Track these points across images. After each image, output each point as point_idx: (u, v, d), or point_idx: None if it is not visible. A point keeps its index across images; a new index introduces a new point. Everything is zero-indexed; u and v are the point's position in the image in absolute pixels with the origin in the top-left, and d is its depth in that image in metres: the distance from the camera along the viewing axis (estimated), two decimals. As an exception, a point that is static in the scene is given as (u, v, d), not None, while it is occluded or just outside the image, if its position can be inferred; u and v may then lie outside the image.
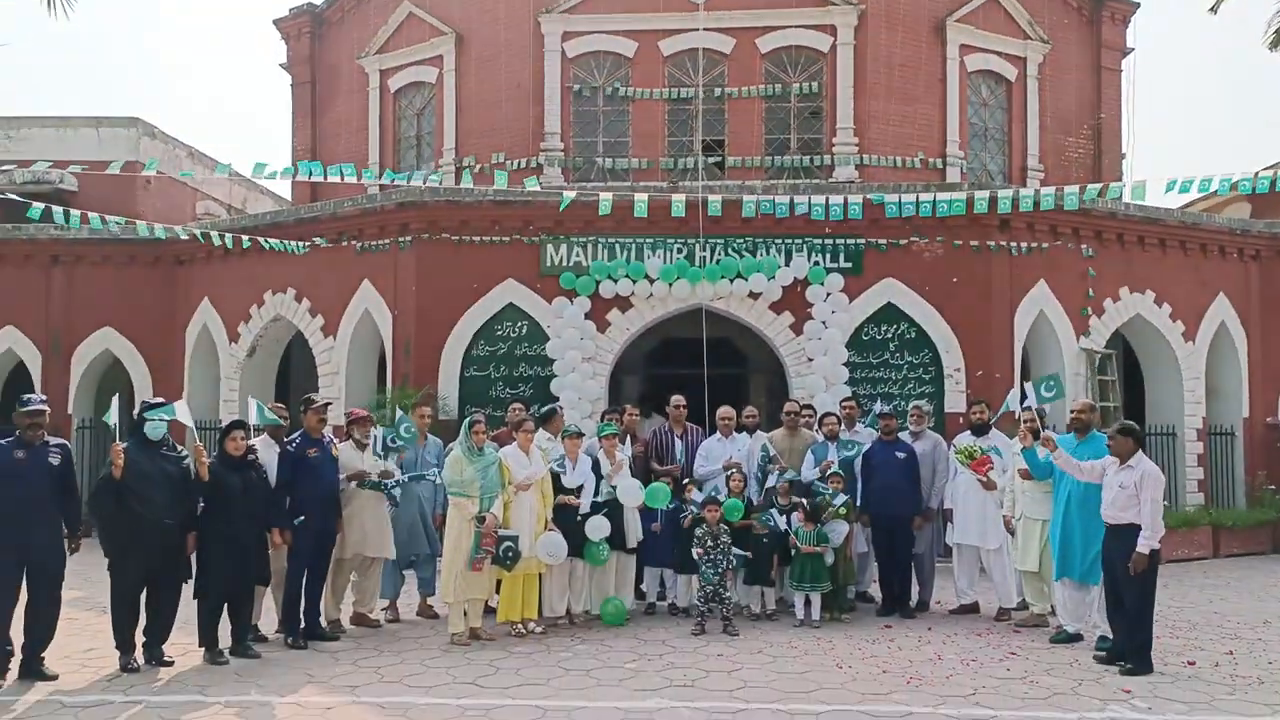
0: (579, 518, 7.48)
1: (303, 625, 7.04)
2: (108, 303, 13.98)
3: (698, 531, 7.60)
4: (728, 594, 7.57)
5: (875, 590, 8.65)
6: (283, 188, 19.30)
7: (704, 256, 11.37)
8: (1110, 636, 6.68)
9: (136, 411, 6.75)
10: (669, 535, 7.93)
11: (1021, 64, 15.51)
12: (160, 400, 6.95)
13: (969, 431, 8.34)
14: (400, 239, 11.79)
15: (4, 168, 10.31)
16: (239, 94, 60.01)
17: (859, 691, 5.84)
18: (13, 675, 6.00)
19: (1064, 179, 14.94)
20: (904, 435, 8.47)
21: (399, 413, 8.64)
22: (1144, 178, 16.77)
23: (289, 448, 7.08)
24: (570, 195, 10.35)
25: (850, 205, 9.49)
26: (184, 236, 12.12)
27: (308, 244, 11.92)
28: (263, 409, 7.14)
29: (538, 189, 10.16)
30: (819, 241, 11.37)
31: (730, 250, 11.38)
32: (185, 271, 14.14)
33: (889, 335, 11.45)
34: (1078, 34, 16.19)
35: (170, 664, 6.36)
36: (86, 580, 8.11)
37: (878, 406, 9.18)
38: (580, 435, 7.83)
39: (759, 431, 8.78)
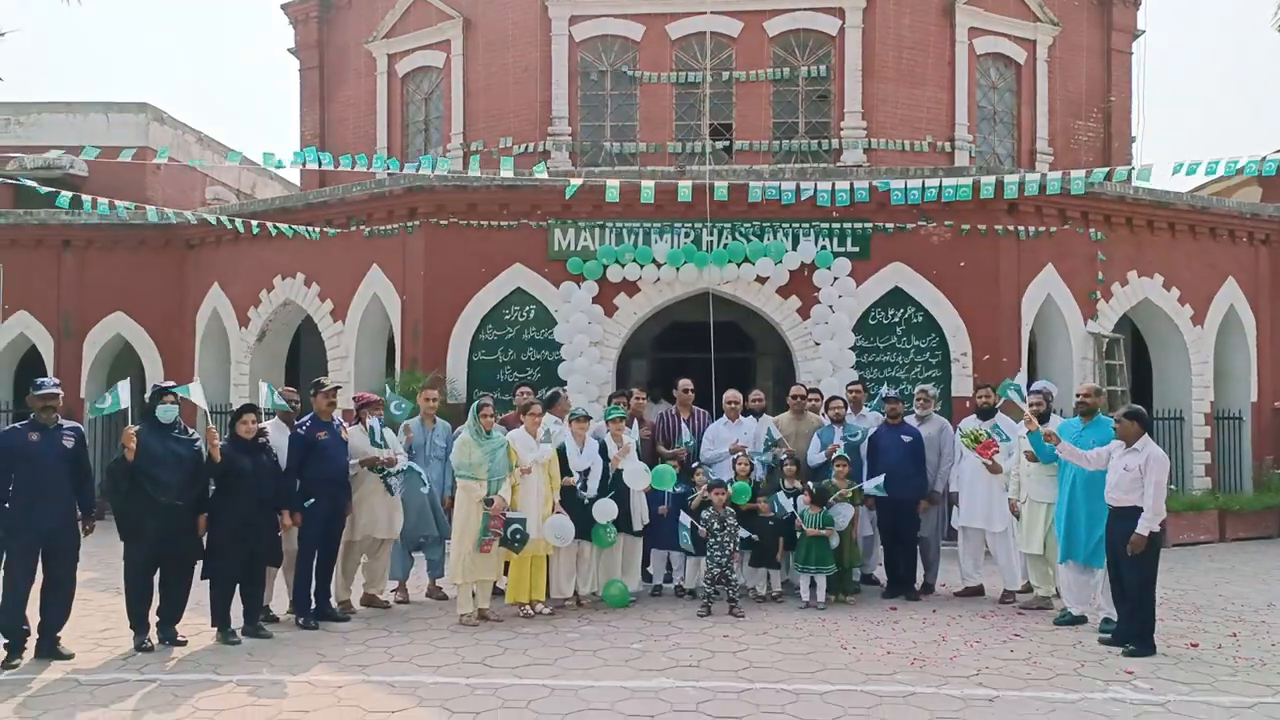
0: (586, 500, 7.55)
1: (313, 606, 7.13)
2: (119, 287, 14.09)
3: (704, 514, 7.66)
4: (734, 576, 7.63)
5: (881, 573, 8.70)
6: (291, 172, 19.32)
7: (711, 241, 11.38)
8: (1114, 619, 6.72)
9: (148, 395, 6.84)
10: (675, 518, 7.98)
11: (1031, 46, 15.41)
12: (172, 383, 7.01)
13: (975, 415, 8.36)
14: (408, 224, 11.83)
15: (14, 153, 10.37)
16: (247, 79, 59.99)
17: (863, 672, 5.90)
18: (29, 654, 6.11)
19: (1073, 162, 14.89)
20: (910, 419, 8.50)
21: (387, 391, 8.70)
22: (1153, 161, 16.66)
23: (299, 431, 7.15)
24: (577, 183, 10.37)
25: (856, 190, 9.48)
26: (194, 221, 12.19)
27: (321, 229, 11.97)
28: (273, 393, 7.21)
29: (545, 176, 10.17)
30: (826, 226, 11.36)
31: (737, 234, 11.38)
32: (195, 256, 14.23)
33: (896, 319, 11.45)
34: (1088, 16, 16.06)
35: (183, 644, 6.46)
36: (101, 562, 8.23)
37: (884, 390, 9.20)
38: (588, 418, 7.88)
39: (765, 415, 8.81)
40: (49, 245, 14.16)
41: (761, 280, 11.38)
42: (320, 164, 9.24)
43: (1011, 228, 11.46)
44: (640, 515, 7.87)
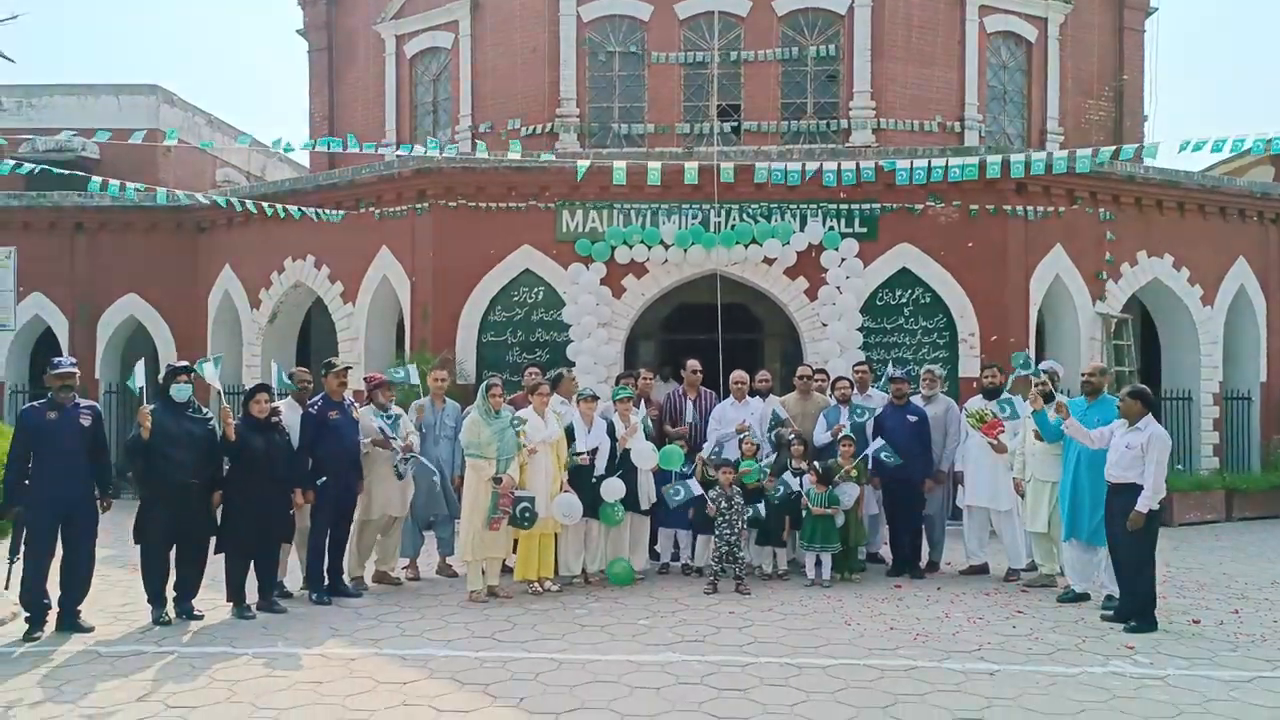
0: (593, 479, 7.64)
1: (326, 582, 7.26)
2: (131, 270, 14.21)
3: (711, 493, 7.74)
4: (741, 554, 7.72)
5: (886, 551, 8.78)
6: (301, 155, 19.41)
7: (719, 222, 11.40)
8: (1117, 596, 6.78)
9: (162, 375, 6.95)
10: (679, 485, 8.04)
11: (1042, 25, 15.30)
12: (186, 364, 7.12)
13: (981, 395, 8.40)
14: (417, 205, 11.89)
15: (26, 135, 10.48)
16: (256, 60, 59.94)
17: (866, 647, 5.99)
18: (50, 627, 6.26)
19: (1084, 142, 14.82)
20: (916, 399, 8.54)
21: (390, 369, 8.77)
22: (1166, 141, 16.53)
23: (311, 410, 7.25)
24: (585, 164, 10.40)
25: (862, 171, 9.48)
26: (205, 203, 12.28)
27: (338, 211, 12.05)
28: (280, 374, 7.33)
29: (553, 158, 10.22)
30: (834, 206, 11.37)
31: (745, 216, 11.40)
32: (206, 238, 14.33)
33: (903, 300, 11.47)
34: (1101, -7, 15.93)
35: (200, 618, 6.60)
36: (118, 539, 8.37)
37: (890, 370, 9.24)
38: (595, 398, 7.96)
39: (771, 395, 8.87)
40: (62, 228, 14.29)
41: (769, 261, 11.41)
42: (330, 147, 9.29)
43: (1020, 208, 11.44)
44: (647, 494, 7.95)
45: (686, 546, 8.42)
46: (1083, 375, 7.53)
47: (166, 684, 5.23)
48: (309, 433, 7.15)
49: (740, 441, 8.18)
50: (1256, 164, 16.35)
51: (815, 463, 8.00)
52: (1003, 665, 5.61)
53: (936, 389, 8.69)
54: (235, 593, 6.75)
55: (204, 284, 14.24)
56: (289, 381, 7.36)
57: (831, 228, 11.38)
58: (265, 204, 11.94)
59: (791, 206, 11.34)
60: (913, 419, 8.31)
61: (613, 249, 11.45)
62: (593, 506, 7.62)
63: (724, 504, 7.65)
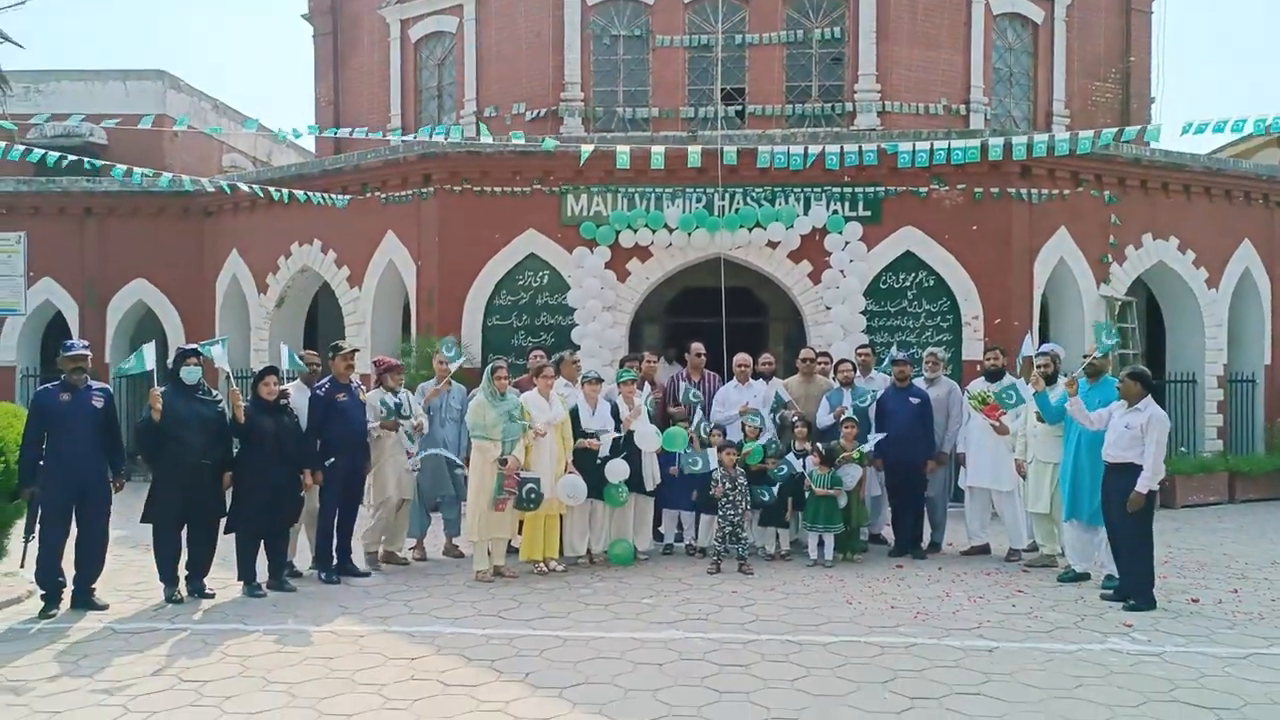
0: (599, 461, 7.72)
1: (334, 561, 7.36)
2: (140, 254, 14.31)
3: (716, 474, 7.82)
4: (744, 535, 7.80)
5: (888, 532, 8.86)
6: (307, 140, 19.43)
7: (723, 206, 11.43)
8: (1117, 576, 6.85)
9: (171, 358, 7.04)
10: (686, 477, 8.14)
11: (1049, 6, 15.24)
12: (193, 346, 7.20)
13: (983, 377, 8.45)
14: (423, 190, 11.94)
15: (34, 121, 10.54)
16: (261, 45, 59.83)
17: (867, 624, 6.08)
18: (65, 605, 6.39)
19: (1090, 124, 14.77)
20: (918, 381, 8.59)
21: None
22: (1173, 123, 16.46)
23: (318, 393, 7.34)
24: (589, 149, 10.43)
25: (865, 154, 9.50)
26: (210, 189, 12.34)
27: (344, 196, 12.10)
28: (293, 355, 7.42)
29: (557, 142, 10.25)
30: (838, 190, 11.38)
31: (749, 199, 11.43)
32: (214, 223, 14.41)
33: (907, 283, 11.49)
34: (1108, -27, 15.85)
35: (211, 596, 6.72)
36: (130, 520, 8.47)
37: (893, 353, 9.29)
38: (600, 381, 8.03)
39: (774, 378, 8.93)
40: (71, 213, 14.38)
41: (773, 245, 11.44)
42: (336, 133, 9.35)
43: (1024, 191, 11.44)
44: (652, 475, 8.02)
45: (690, 527, 8.50)
46: (1084, 357, 7.58)
47: (180, 659, 5.34)
48: (317, 415, 7.24)
49: (743, 424, 8.25)
50: (1264, 146, 16.29)
51: (818, 444, 8.06)
52: (1001, 642, 5.69)
53: (939, 372, 8.74)
54: (246, 572, 6.87)
55: (211, 268, 14.33)
56: (300, 362, 7.44)
57: (835, 211, 11.40)
58: (271, 189, 12.00)
59: (795, 190, 11.36)
60: (915, 401, 8.37)
61: (617, 233, 11.49)
62: (597, 488, 7.71)
63: (728, 485, 7.73)
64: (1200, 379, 12.74)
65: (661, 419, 8.43)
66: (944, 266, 11.42)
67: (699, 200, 11.47)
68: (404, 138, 11.83)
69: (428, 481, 8.00)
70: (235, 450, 6.87)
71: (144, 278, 14.35)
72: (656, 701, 4.68)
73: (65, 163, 9.46)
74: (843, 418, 8.21)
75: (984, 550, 8.40)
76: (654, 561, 8.08)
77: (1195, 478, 11.69)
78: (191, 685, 4.91)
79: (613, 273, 11.54)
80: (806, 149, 9.75)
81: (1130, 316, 12.20)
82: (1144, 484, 6.29)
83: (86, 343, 6.84)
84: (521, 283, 11.76)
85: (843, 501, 7.95)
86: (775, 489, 7.93)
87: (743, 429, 8.22)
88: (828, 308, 11.37)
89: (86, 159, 10.44)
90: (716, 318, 10.72)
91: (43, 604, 6.33)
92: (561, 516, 7.72)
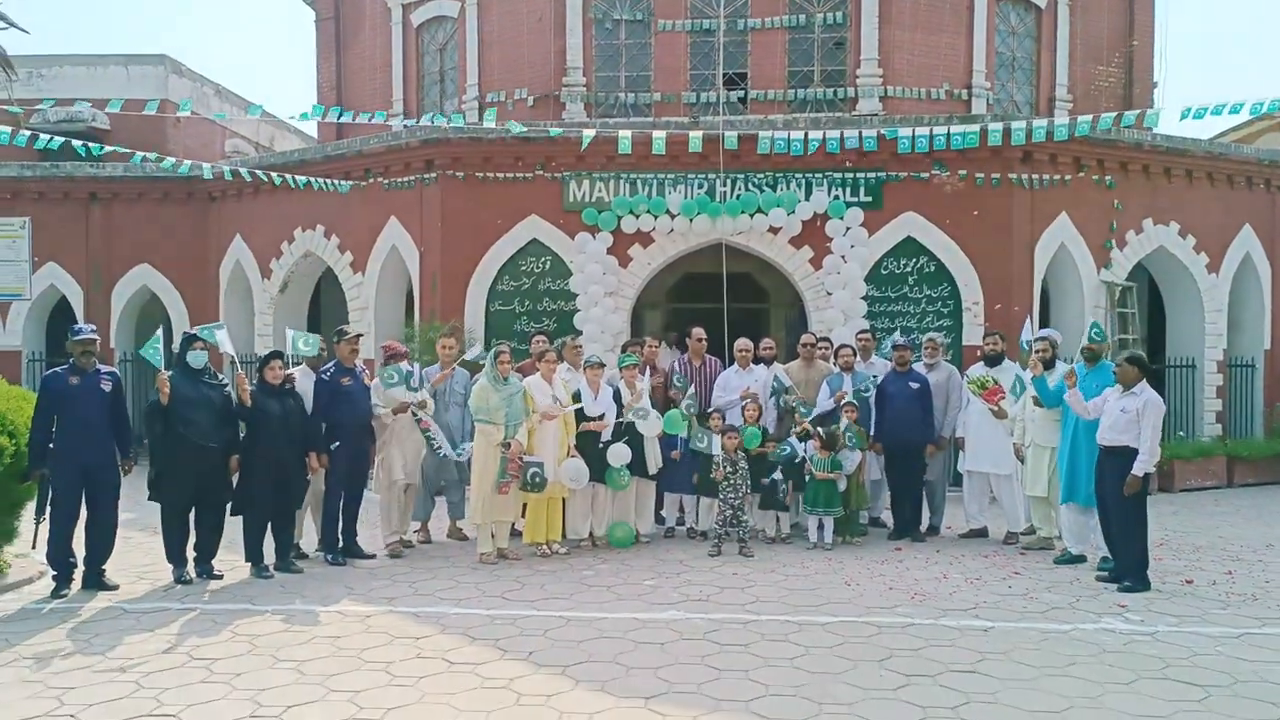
0: (601, 444, 7.80)
1: (340, 544, 7.46)
2: (144, 239, 14.38)
3: (717, 458, 7.90)
4: (745, 518, 7.89)
5: (888, 516, 8.94)
6: (309, 125, 19.46)
7: (724, 191, 11.46)
8: (1112, 558, 6.94)
9: (178, 342, 7.12)
10: (688, 461, 8.23)
11: (1052, -10, 15.18)
12: (195, 332, 7.26)
13: (982, 362, 8.51)
14: (425, 176, 11.98)
15: (38, 107, 10.60)
16: (264, 28, 59.61)
17: (865, 605, 6.17)
18: (76, 585, 6.50)
19: (1093, 109, 14.74)
20: (918, 366, 8.66)
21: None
22: (1175, 107, 16.44)
23: (324, 377, 7.41)
24: (590, 134, 10.46)
25: (865, 139, 9.52)
26: (210, 176, 12.38)
27: (346, 181, 12.14)
28: (298, 340, 7.48)
29: (558, 131, 10.27)
30: (839, 175, 11.40)
31: (750, 185, 11.46)
32: (217, 208, 14.46)
33: (908, 269, 11.53)
34: (1112, -44, 15.78)
35: (220, 577, 6.82)
36: (137, 503, 8.57)
37: (893, 338, 9.35)
38: (602, 365, 8.10)
39: (775, 363, 9.00)
40: (75, 198, 14.43)
41: (774, 231, 11.47)
42: (340, 117, 9.41)
43: (1026, 176, 11.46)
44: (653, 459, 8.11)
45: (691, 511, 8.59)
46: (1084, 349, 7.62)
47: (190, 638, 5.45)
48: (322, 399, 7.32)
49: (743, 408, 8.32)
50: (1267, 130, 16.28)
51: (819, 429, 8.14)
52: (997, 622, 5.79)
53: (938, 357, 8.80)
54: (253, 553, 6.97)
55: (215, 253, 14.39)
56: (304, 348, 7.49)
57: (837, 196, 11.42)
58: (275, 174, 12.04)
59: (797, 175, 11.38)
60: (915, 386, 8.43)
61: (619, 218, 11.53)
62: (599, 471, 7.79)
63: (729, 468, 7.82)
64: (1200, 364, 12.79)
65: (662, 403, 8.51)
66: (945, 252, 11.46)
67: (701, 186, 11.50)
68: (406, 123, 11.83)
69: (432, 465, 8.09)
70: (242, 434, 6.96)
71: (148, 262, 14.42)
72: (658, 679, 4.78)
73: (73, 146, 9.50)
74: (843, 402, 8.28)
75: (982, 533, 8.49)
76: (655, 544, 8.17)
77: (1194, 462, 11.77)
78: (202, 663, 5.01)
79: (614, 258, 11.58)
80: (807, 135, 9.78)
81: (1130, 301, 12.24)
82: (1140, 467, 6.36)
83: (94, 327, 6.92)
84: (524, 268, 11.81)
85: (842, 485, 8.03)
86: (778, 473, 8.00)
87: (742, 413, 8.30)
88: (829, 293, 11.41)
89: (93, 144, 10.48)
90: (718, 303, 10.78)
91: (54, 584, 6.45)
92: (564, 500, 7.81)
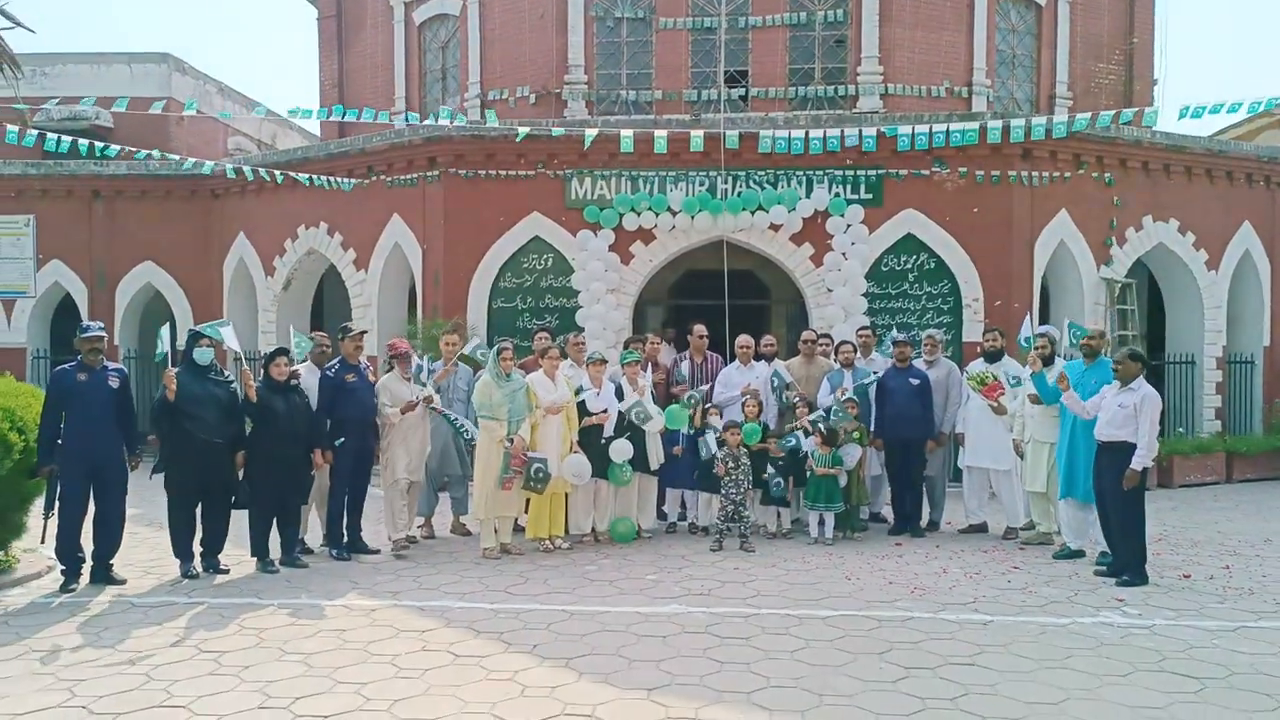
0: (603, 441, 7.85)
1: (345, 539, 7.52)
2: (148, 237, 14.44)
3: (719, 453, 7.95)
4: (747, 513, 7.95)
5: (888, 511, 9.00)
6: (311, 123, 19.52)
7: (726, 188, 11.52)
8: (1110, 552, 6.99)
9: (184, 341, 7.18)
10: (689, 457, 8.28)
11: (1052, -13, 15.22)
12: (201, 329, 7.32)
13: (982, 358, 8.57)
14: (428, 174, 12.03)
15: (44, 105, 10.65)
16: (265, 27, 59.57)
17: (865, 599, 6.23)
18: (84, 580, 6.56)
19: (1093, 106, 14.80)
20: (918, 363, 8.71)
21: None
22: (1175, 104, 16.47)
23: (329, 374, 7.47)
24: (593, 133, 10.52)
25: (865, 139, 9.57)
26: (211, 173, 12.44)
27: (349, 180, 12.20)
28: (298, 340, 7.55)
29: (562, 131, 10.33)
30: (840, 173, 11.46)
31: (751, 182, 11.51)
32: (220, 206, 14.52)
33: (908, 266, 11.59)
34: (1112, -46, 15.81)
35: (226, 572, 6.89)
36: (143, 499, 8.66)
37: (893, 334, 9.40)
38: (604, 362, 8.15)
39: (776, 360, 9.05)
40: (79, 196, 14.50)
41: (775, 228, 11.53)
42: (344, 116, 9.46)
43: (1026, 173, 11.50)
44: (655, 455, 8.16)
45: (693, 506, 8.65)
46: (1082, 342, 7.68)
47: (198, 631, 5.51)
48: (327, 395, 7.38)
49: (743, 405, 8.37)
50: (1267, 127, 16.31)
51: (820, 424, 8.19)
52: (996, 616, 5.84)
53: (937, 354, 8.85)
54: (259, 548, 7.03)
55: (219, 251, 14.45)
56: (307, 340, 7.56)
57: (837, 194, 11.48)
58: (278, 172, 12.10)
59: (798, 173, 11.44)
60: (915, 382, 8.49)
61: (621, 216, 11.59)
62: (602, 467, 7.85)
63: (731, 464, 7.87)
64: (1199, 360, 12.85)
65: (664, 399, 8.57)
66: (945, 249, 11.51)
67: (702, 183, 11.56)
68: (411, 123, 11.89)
69: (435, 461, 8.15)
70: (248, 430, 7.02)
71: (152, 260, 14.48)
72: (660, 671, 4.84)
73: (80, 145, 9.55)
74: (843, 398, 8.33)
75: (982, 528, 8.54)
76: (657, 539, 8.23)
77: (1193, 458, 11.82)
78: (210, 655, 5.08)
79: (616, 255, 11.64)
80: (808, 134, 9.83)
81: (1130, 298, 12.29)
82: (1139, 461, 6.42)
83: (102, 324, 6.98)
84: (526, 265, 11.88)
85: (843, 481, 8.08)
86: (771, 471, 8.06)
87: (742, 409, 8.35)
88: (829, 290, 11.47)
89: (100, 144, 10.54)
90: (719, 300, 10.84)
91: (62, 579, 6.51)
92: (567, 495, 7.86)
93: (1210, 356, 12.87)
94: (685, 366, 8.93)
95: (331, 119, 11.47)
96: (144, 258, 14.47)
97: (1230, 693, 4.59)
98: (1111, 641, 5.35)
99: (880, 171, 11.45)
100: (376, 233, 12.59)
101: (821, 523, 8.10)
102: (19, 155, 14.31)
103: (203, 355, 6.90)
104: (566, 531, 7.92)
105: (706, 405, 8.43)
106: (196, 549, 6.91)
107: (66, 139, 9.55)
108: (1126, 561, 6.64)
